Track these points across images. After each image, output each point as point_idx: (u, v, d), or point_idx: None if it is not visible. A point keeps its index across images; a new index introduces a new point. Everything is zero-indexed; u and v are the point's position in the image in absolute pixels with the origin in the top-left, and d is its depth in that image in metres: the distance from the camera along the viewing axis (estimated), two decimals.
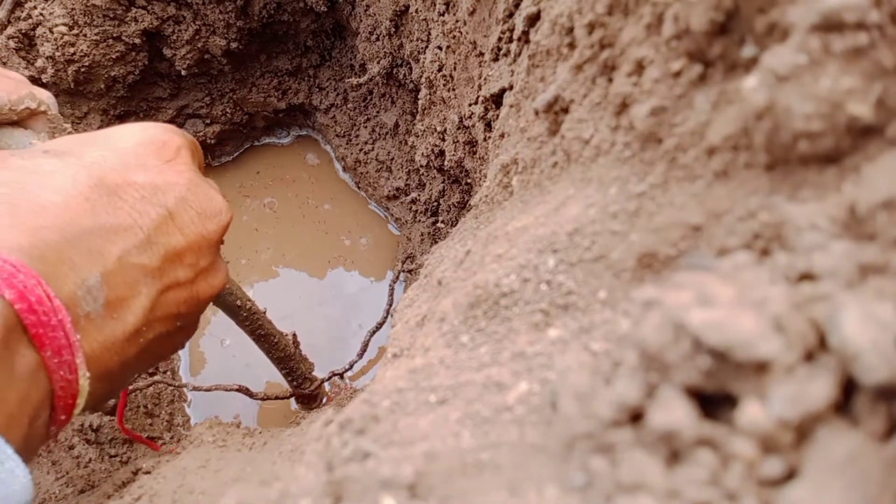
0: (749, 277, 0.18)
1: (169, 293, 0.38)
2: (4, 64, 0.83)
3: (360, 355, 0.85)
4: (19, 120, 0.46)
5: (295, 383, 0.75)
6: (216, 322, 0.92)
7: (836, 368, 0.15)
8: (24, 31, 0.83)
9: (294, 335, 0.73)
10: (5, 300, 0.28)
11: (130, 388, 0.72)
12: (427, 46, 0.75)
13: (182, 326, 0.41)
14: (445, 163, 0.73)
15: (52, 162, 0.35)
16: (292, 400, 0.83)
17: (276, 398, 0.76)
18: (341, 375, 0.84)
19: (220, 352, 0.91)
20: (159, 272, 0.37)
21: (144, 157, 0.39)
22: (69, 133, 0.50)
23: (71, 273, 0.32)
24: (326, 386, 0.84)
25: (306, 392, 0.76)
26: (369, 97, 1.02)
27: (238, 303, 0.61)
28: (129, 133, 0.40)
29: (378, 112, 1.01)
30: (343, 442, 0.23)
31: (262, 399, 0.76)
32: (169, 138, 0.42)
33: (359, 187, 1.05)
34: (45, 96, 0.47)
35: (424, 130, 0.80)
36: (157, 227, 0.37)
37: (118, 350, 0.35)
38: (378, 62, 0.90)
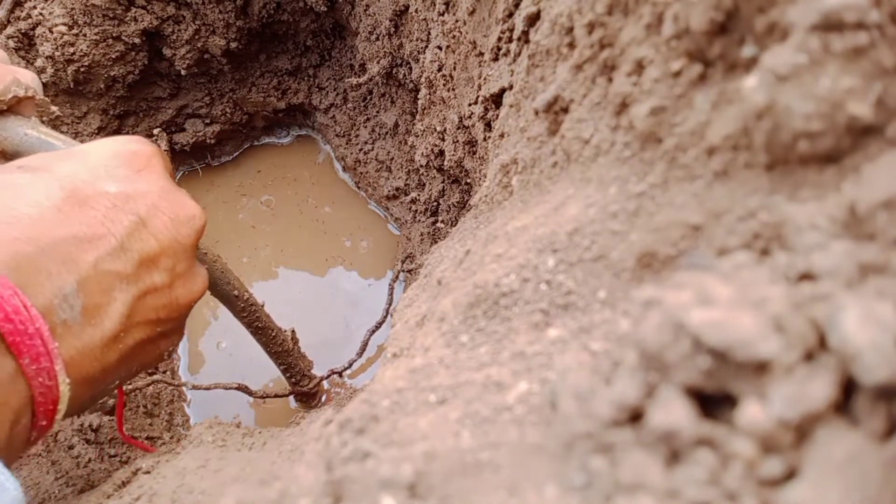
0: (749, 277, 0.18)
1: (146, 298, 0.39)
2: None
3: (360, 354, 0.85)
4: (8, 108, 0.45)
5: (294, 380, 0.75)
6: (214, 324, 0.92)
7: (836, 368, 0.15)
8: (23, 31, 0.83)
9: (293, 331, 0.73)
10: None
11: (129, 387, 0.72)
12: (427, 46, 0.75)
13: (164, 332, 0.42)
14: (445, 163, 0.73)
15: (26, 177, 0.36)
16: (291, 398, 0.83)
17: (276, 396, 0.76)
18: (340, 374, 0.84)
19: (219, 352, 0.91)
20: (134, 277, 0.38)
21: (115, 167, 0.40)
22: (57, 115, 0.50)
23: (47, 282, 0.33)
24: (325, 385, 0.84)
25: (305, 390, 0.76)
26: (369, 97, 1.02)
27: (235, 293, 0.61)
28: (100, 146, 0.41)
29: (378, 112, 1.01)
30: (343, 442, 0.23)
31: (262, 397, 0.75)
32: (139, 148, 0.42)
33: (358, 187, 1.05)
34: (30, 78, 0.47)
35: (424, 130, 0.80)
36: (130, 234, 0.38)
37: (97, 356, 0.36)
38: (378, 62, 0.90)
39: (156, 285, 0.39)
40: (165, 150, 0.61)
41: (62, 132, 0.48)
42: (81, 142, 0.48)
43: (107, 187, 0.38)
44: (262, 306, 0.66)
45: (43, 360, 0.32)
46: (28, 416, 0.33)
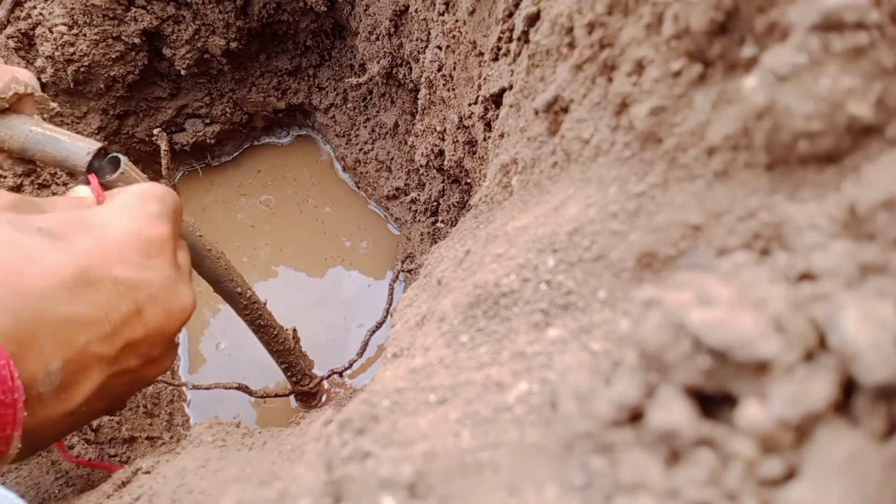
0: (749, 277, 0.18)
1: (116, 378, 0.41)
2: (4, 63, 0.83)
3: (360, 354, 0.85)
4: (10, 106, 0.45)
5: (294, 379, 0.75)
6: (214, 324, 0.92)
7: (836, 368, 0.15)
8: (23, 31, 0.83)
9: (294, 330, 0.73)
10: None
11: None
12: (427, 46, 0.75)
13: (118, 401, 0.44)
14: (445, 163, 0.73)
15: (44, 244, 0.37)
16: (292, 398, 0.83)
17: (276, 396, 0.76)
18: (341, 374, 0.84)
19: (219, 352, 0.91)
20: (113, 360, 0.39)
21: (128, 251, 0.41)
22: (56, 111, 0.49)
23: (38, 357, 0.34)
24: (325, 385, 0.84)
25: (306, 389, 0.76)
26: (369, 97, 1.02)
27: (238, 290, 0.61)
28: (120, 222, 0.42)
29: (378, 112, 1.01)
30: (343, 442, 0.23)
31: (262, 397, 0.75)
32: (156, 233, 0.43)
33: (358, 187, 1.05)
34: (27, 76, 0.47)
35: (424, 130, 0.80)
36: (124, 322, 0.39)
37: (53, 425, 0.37)
38: (378, 62, 0.90)
39: (129, 368, 0.41)
40: (165, 150, 0.60)
41: None
42: None
43: (115, 271, 0.39)
44: (265, 304, 0.66)
45: (8, 429, 0.33)
46: None
